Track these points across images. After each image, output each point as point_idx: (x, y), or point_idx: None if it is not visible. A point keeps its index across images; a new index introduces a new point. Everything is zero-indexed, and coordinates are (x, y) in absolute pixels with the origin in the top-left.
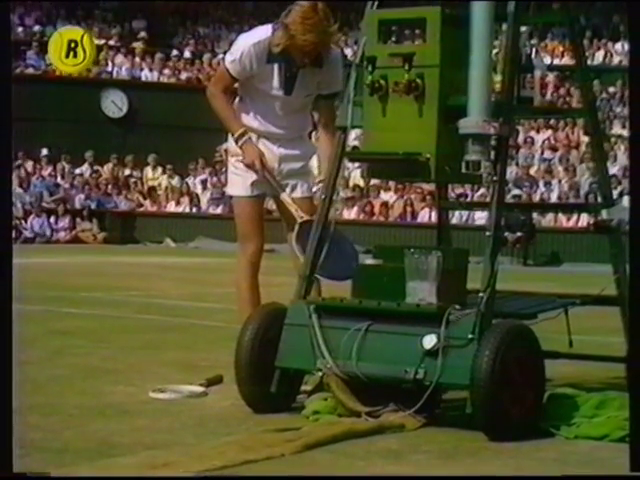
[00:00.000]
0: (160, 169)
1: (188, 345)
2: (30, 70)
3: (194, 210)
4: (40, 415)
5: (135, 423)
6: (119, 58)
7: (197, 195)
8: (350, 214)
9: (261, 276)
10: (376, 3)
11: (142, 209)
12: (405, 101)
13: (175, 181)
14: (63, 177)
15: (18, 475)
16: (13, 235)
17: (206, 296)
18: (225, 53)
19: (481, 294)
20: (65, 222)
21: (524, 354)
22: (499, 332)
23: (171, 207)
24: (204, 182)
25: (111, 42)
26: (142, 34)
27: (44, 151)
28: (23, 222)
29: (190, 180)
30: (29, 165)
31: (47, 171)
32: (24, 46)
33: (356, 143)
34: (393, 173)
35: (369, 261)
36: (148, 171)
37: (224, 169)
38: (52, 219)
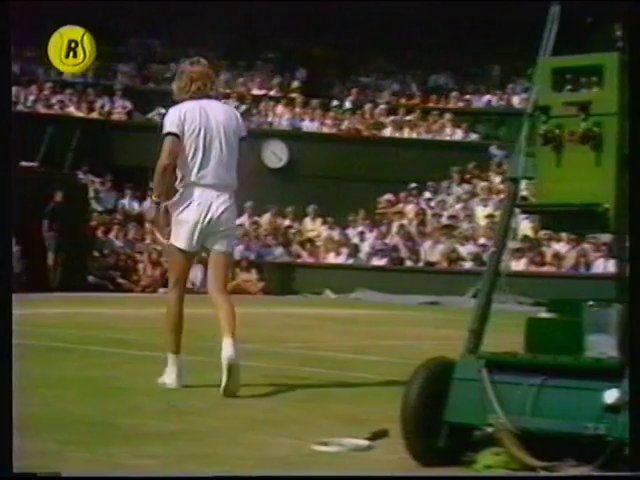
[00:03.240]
0: (319, 220)
1: (351, 398)
2: None
3: (353, 261)
4: (202, 465)
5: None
6: (279, 108)
7: (356, 246)
8: (519, 265)
9: (424, 329)
10: (549, 51)
11: (301, 260)
12: (581, 151)
13: (334, 232)
14: None
15: (27, 474)
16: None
17: (368, 349)
18: (372, 102)
19: None
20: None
21: None
22: None
23: (330, 258)
24: (362, 233)
25: (272, 92)
26: (302, 84)
27: None
28: None
29: (349, 231)
30: None
31: None
32: None
33: (524, 193)
34: (568, 224)
35: (543, 315)
36: (307, 222)
37: (385, 221)
38: None
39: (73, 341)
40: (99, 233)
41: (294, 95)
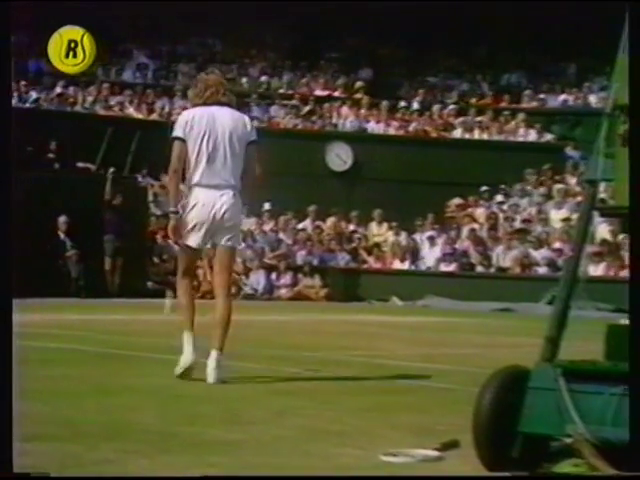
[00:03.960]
0: (385, 225)
1: (419, 408)
2: (254, 123)
3: (421, 267)
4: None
5: None
6: (344, 110)
7: (424, 251)
8: (597, 270)
9: (496, 336)
10: (627, 47)
11: (366, 266)
12: None
13: (401, 237)
14: (285, 232)
15: (20, 475)
16: (233, 291)
17: (437, 357)
18: (441, 102)
19: None
20: (287, 279)
21: None
22: None
23: (397, 264)
24: (431, 238)
25: (336, 93)
26: (368, 85)
27: (266, 205)
28: (244, 278)
29: (417, 236)
30: (251, 221)
31: (269, 226)
32: (247, 98)
33: (603, 195)
34: None
35: (624, 321)
36: (373, 227)
37: (454, 225)
38: (273, 275)
39: (132, 348)
40: (158, 238)
41: (359, 96)
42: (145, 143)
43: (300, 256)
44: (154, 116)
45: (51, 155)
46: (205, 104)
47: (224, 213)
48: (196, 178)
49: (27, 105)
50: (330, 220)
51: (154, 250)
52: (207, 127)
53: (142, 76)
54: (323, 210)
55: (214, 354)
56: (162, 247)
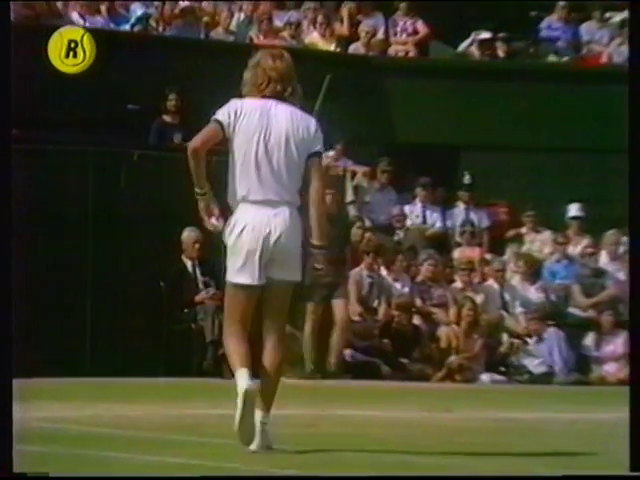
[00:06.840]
0: None
1: None
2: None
3: None
4: None
5: None
6: None
7: None
8: None
9: None
10: None
11: None
12: None
13: None
14: (612, 257)
15: (18, 475)
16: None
17: None
18: None
19: None
20: (618, 345)
21: None
22: None
23: None
24: None
25: None
26: None
27: (573, 209)
28: (530, 343)
29: None
30: (544, 236)
31: (579, 246)
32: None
33: None
34: None
35: None
36: None
37: None
38: (589, 339)
39: (323, 466)
40: (366, 264)
41: None
42: (347, 99)
43: None
44: (357, 47)
45: (168, 118)
46: (262, 96)
47: (279, 238)
48: (242, 191)
49: (126, 28)
50: None
51: (360, 287)
52: (259, 125)
53: None
54: None
55: (259, 415)
56: (370, 283)
